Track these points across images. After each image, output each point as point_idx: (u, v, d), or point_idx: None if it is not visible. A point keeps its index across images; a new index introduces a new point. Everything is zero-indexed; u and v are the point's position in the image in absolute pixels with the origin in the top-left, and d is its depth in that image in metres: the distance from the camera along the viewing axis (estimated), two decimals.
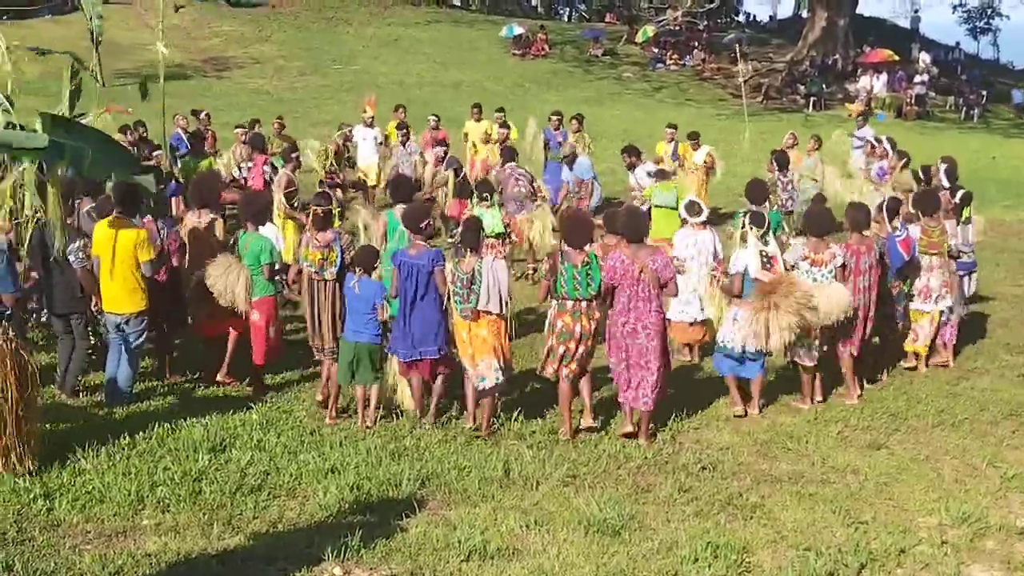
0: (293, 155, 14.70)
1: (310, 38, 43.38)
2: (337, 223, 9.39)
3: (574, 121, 18.29)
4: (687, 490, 7.63)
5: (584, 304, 8.74)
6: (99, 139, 8.86)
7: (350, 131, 18.40)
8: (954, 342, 11.32)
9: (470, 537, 6.51)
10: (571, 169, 16.05)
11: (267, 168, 15.11)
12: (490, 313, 8.80)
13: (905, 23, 56.04)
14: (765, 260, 9.46)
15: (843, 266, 9.71)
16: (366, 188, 18.09)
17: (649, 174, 15.48)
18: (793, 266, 9.67)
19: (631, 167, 16.02)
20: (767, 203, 12.04)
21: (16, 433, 7.41)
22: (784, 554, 6.56)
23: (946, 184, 12.70)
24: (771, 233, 9.86)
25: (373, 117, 18.95)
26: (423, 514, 7.00)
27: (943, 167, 13.18)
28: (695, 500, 7.46)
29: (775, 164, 15.93)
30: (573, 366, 8.83)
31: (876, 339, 10.55)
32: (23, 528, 6.49)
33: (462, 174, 15.97)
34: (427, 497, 7.33)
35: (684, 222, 11.40)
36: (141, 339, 9.46)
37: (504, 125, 18.26)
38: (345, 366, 8.96)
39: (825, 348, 9.80)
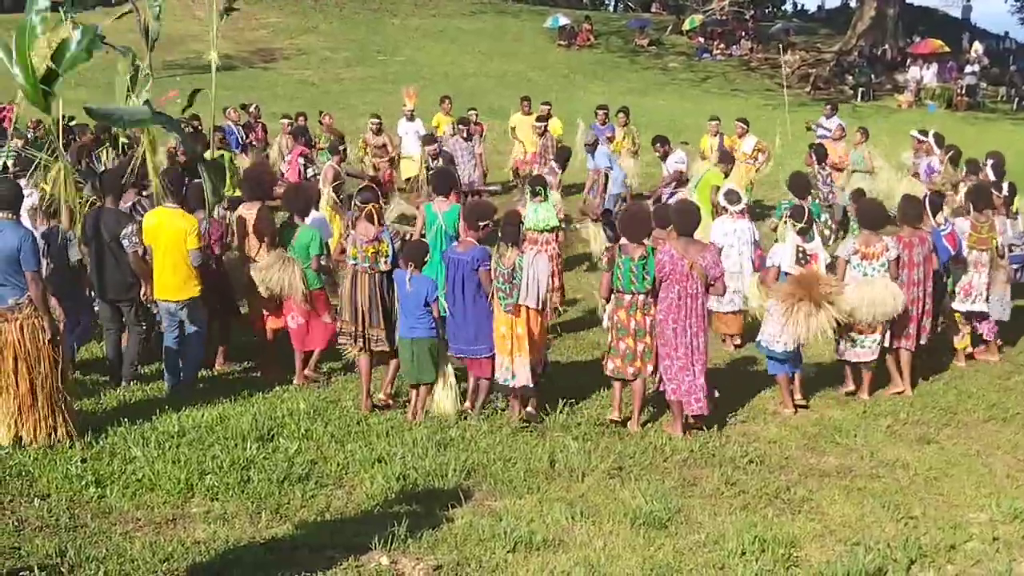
0: (340, 148, 14.74)
1: (355, 29, 43.49)
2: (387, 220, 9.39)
3: (621, 115, 18.20)
4: (734, 483, 7.59)
5: (640, 298, 8.70)
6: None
7: (377, 126, 18.23)
8: (994, 337, 11.16)
9: (516, 528, 6.50)
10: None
11: (301, 160, 15.14)
12: (528, 308, 8.79)
13: (956, 12, 55.20)
14: (801, 255, 9.35)
15: (896, 259, 9.61)
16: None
17: (678, 162, 15.51)
18: (847, 262, 9.59)
19: (664, 156, 15.99)
20: (809, 196, 11.96)
21: (52, 407, 7.67)
22: (832, 548, 6.51)
23: (993, 179, 12.55)
24: (815, 227, 9.76)
25: (413, 110, 18.89)
26: (469, 505, 7.01)
27: (990, 162, 13.04)
28: (742, 493, 7.42)
29: (813, 157, 15.81)
30: (638, 364, 8.79)
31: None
32: (75, 515, 6.56)
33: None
34: (473, 488, 7.33)
35: (723, 211, 11.36)
36: (200, 325, 9.55)
37: (540, 119, 18.19)
38: (408, 363, 8.97)
39: (887, 344, 9.73)
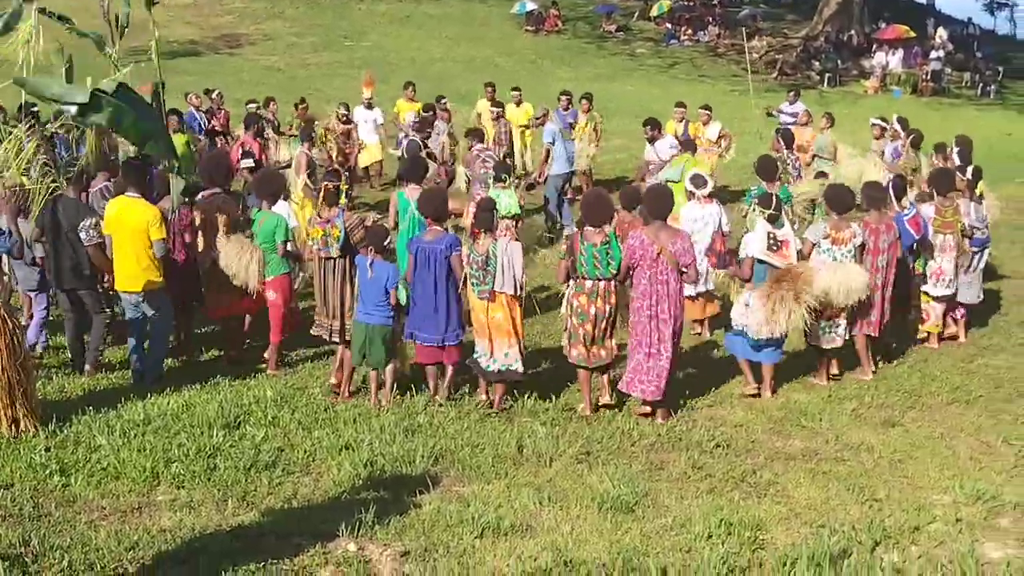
0: (311, 135, 14.67)
1: (322, 14, 43.23)
2: (343, 200, 9.33)
3: (584, 100, 18.22)
4: (701, 467, 7.63)
5: (602, 284, 8.72)
6: (143, 106, 8.95)
7: (345, 115, 18.21)
8: (966, 318, 11.27)
9: (483, 514, 6.51)
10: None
11: (239, 151, 15.00)
12: (504, 294, 8.79)
13: None
14: (772, 241, 9.34)
15: (862, 245, 9.66)
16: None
17: (678, 143, 15.51)
18: (814, 244, 9.63)
19: (652, 140, 16.01)
20: (777, 180, 11.99)
21: (12, 397, 7.60)
22: (798, 531, 6.55)
23: (959, 163, 12.65)
24: (783, 211, 9.77)
25: (371, 98, 18.83)
26: (437, 491, 7.00)
27: (956, 147, 13.13)
28: (709, 477, 7.45)
29: (781, 141, 15.83)
30: (596, 349, 8.81)
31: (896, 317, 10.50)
32: (39, 504, 6.51)
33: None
34: (441, 474, 7.33)
35: (691, 195, 11.35)
36: (164, 315, 9.47)
37: (496, 103, 18.16)
38: (357, 348, 8.96)
39: (850, 330, 9.77)
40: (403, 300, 8.97)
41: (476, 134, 15.28)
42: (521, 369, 8.97)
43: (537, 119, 17.24)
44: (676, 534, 6.42)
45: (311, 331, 9.56)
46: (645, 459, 7.82)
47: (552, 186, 16.23)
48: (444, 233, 8.97)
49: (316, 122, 17.13)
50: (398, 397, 9.07)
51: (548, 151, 16.33)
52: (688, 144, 14.93)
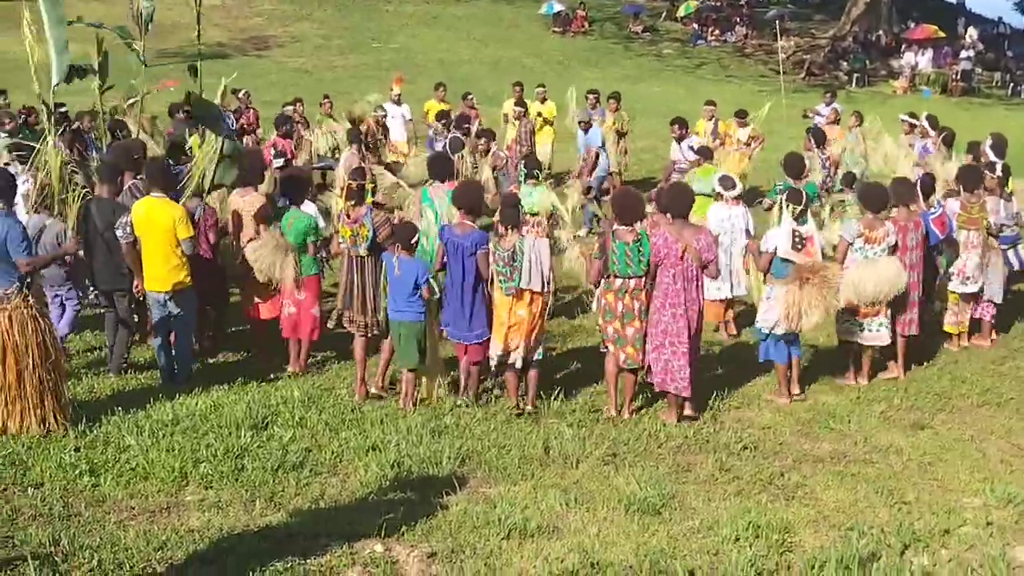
0: (360, 136, 14.73)
1: (349, 16, 43.33)
2: (370, 199, 9.36)
3: (611, 100, 18.20)
4: (728, 469, 7.60)
5: (632, 282, 8.69)
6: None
7: (383, 117, 18.24)
8: (992, 321, 11.16)
9: (510, 515, 6.50)
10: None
11: (272, 151, 15.04)
12: (532, 292, 8.77)
13: None
14: (797, 240, 9.26)
15: (895, 245, 9.60)
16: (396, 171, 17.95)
17: (691, 148, 15.43)
18: (849, 244, 9.56)
19: (679, 139, 15.96)
20: (805, 178, 11.92)
21: (42, 396, 7.63)
22: (826, 534, 6.51)
23: (993, 159, 12.53)
24: (809, 210, 9.70)
25: (400, 94, 18.88)
26: (463, 492, 7.01)
27: (989, 143, 13.01)
28: (736, 479, 7.42)
29: (812, 140, 15.71)
30: (630, 350, 8.79)
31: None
32: (69, 503, 6.55)
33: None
34: (467, 475, 7.34)
35: (719, 196, 11.30)
36: (188, 313, 9.50)
37: (519, 103, 18.14)
38: (397, 345, 8.97)
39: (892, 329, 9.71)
40: (437, 294, 8.97)
41: (488, 134, 15.24)
42: (541, 357, 8.98)
43: (581, 123, 17.13)
44: (703, 536, 6.40)
45: (342, 325, 9.57)
46: (672, 461, 7.80)
47: (594, 186, 16.25)
48: (473, 229, 8.96)
49: (363, 123, 17.08)
50: (423, 399, 9.07)
51: (597, 154, 16.30)
52: (704, 151, 14.76)
